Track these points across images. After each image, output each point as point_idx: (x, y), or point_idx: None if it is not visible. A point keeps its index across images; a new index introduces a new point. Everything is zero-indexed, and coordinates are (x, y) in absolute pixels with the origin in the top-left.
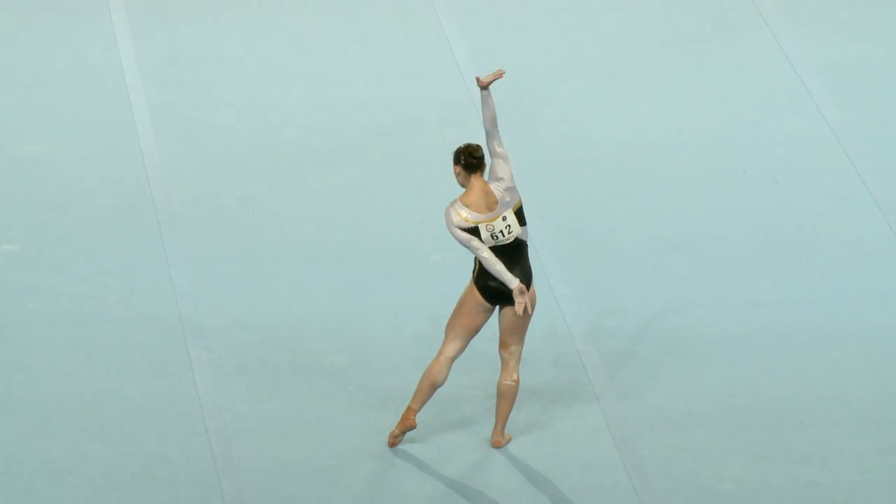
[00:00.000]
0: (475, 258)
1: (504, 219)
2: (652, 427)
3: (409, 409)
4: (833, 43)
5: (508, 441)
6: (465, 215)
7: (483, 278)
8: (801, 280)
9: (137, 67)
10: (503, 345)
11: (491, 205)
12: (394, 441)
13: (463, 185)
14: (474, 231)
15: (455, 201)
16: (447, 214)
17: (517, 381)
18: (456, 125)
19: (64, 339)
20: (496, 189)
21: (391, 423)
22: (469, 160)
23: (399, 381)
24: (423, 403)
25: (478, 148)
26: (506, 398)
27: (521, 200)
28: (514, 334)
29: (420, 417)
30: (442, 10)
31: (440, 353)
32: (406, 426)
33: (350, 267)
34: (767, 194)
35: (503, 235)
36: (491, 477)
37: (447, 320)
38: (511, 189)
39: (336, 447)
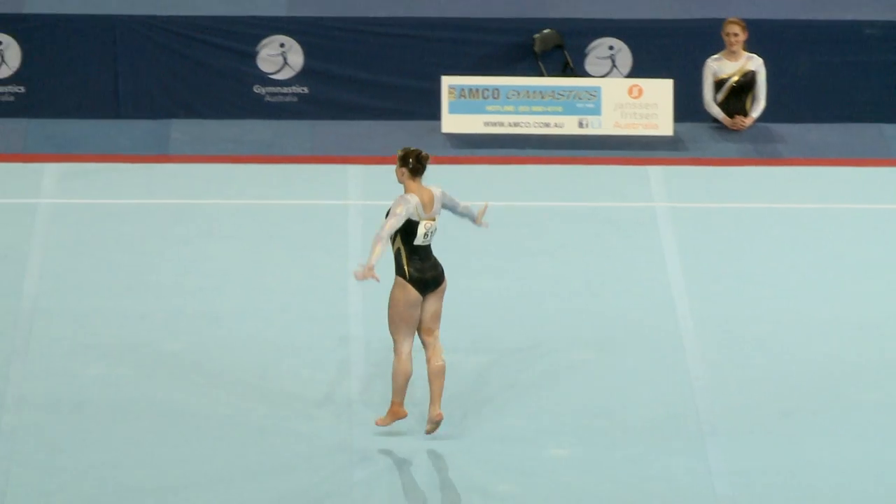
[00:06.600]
0: (396, 259)
1: (434, 220)
2: None
3: (393, 403)
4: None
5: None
6: (418, 211)
7: (411, 270)
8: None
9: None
10: (427, 331)
11: (430, 208)
12: (384, 421)
13: (401, 183)
14: (415, 225)
15: (412, 195)
16: (405, 199)
17: (444, 361)
18: None
19: None
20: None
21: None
22: (416, 165)
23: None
24: (403, 396)
25: (426, 157)
26: (439, 376)
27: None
28: (437, 319)
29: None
30: None
31: (399, 353)
32: (398, 416)
33: None
34: None
35: (430, 237)
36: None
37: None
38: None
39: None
